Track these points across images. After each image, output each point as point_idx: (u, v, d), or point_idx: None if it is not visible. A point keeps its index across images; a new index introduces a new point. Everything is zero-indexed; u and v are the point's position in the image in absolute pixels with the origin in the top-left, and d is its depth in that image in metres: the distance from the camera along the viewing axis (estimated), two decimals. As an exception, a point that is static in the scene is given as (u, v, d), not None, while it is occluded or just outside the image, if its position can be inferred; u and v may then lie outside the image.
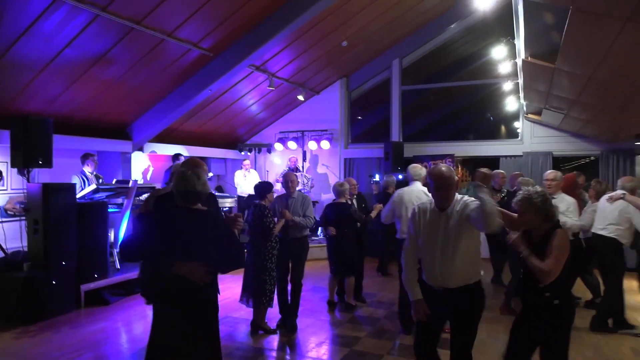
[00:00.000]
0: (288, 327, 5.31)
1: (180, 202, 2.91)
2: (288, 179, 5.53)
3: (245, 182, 10.31)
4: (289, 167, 10.62)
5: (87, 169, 7.19)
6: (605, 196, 5.51)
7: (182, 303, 2.79)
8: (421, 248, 3.16)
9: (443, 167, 3.14)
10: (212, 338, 2.94)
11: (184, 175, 2.90)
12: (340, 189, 6.14)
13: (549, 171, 5.47)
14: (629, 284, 5.95)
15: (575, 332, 5.20)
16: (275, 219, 5.21)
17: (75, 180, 7.01)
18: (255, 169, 11.22)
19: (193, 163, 3.50)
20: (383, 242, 8.28)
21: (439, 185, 3.07)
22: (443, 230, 3.07)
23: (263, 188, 5.25)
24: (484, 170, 5.84)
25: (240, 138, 11.70)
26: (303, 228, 5.42)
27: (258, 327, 5.22)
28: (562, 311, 3.03)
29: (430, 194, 4.93)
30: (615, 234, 5.22)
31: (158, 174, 9.06)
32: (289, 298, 5.43)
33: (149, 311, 4.73)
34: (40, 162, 5.92)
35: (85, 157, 7.22)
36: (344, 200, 6.12)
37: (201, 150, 10.40)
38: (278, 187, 11.14)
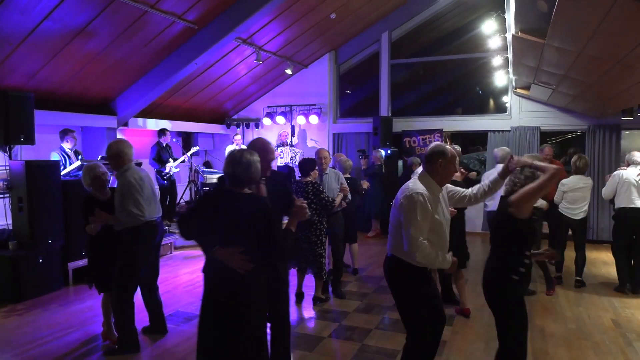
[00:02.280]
0: (338, 295, 5.71)
1: (229, 184, 2.78)
2: (321, 155, 5.61)
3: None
4: (281, 142, 10.54)
5: (67, 145, 6.96)
6: (631, 173, 5.71)
7: (218, 291, 2.70)
8: (434, 230, 3.01)
9: (446, 145, 3.22)
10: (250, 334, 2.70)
11: (230, 156, 2.76)
12: (347, 165, 6.28)
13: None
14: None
15: (557, 305, 5.35)
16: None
17: (55, 156, 6.85)
18: (243, 144, 11.14)
19: (260, 145, 3.25)
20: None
21: (454, 162, 3.13)
22: (445, 205, 3.15)
23: (308, 165, 5.30)
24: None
25: (228, 113, 11.55)
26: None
27: (317, 299, 5.49)
28: (515, 285, 3.00)
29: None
30: None
31: (144, 150, 8.95)
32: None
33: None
34: (22, 139, 5.79)
35: (64, 133, 6.97)
36: (347, 175, 6.24)
37: (188, 125, 10.27)
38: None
